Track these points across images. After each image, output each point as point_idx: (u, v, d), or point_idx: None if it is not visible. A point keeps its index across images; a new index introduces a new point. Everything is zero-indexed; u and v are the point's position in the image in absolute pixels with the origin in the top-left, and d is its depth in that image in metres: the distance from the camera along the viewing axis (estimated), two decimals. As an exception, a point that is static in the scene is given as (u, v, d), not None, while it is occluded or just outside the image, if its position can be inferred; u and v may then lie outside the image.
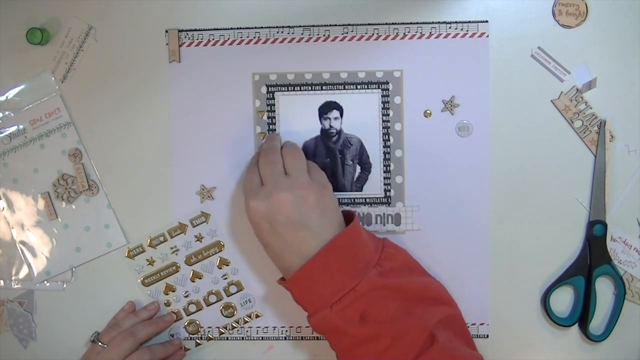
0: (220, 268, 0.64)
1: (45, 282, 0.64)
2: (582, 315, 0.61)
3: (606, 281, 0.62)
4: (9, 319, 0.65)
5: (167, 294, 0.64)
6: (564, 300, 0.62)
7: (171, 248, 0.64)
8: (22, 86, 0.64)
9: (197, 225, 0.63)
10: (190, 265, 0.64)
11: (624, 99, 0.61)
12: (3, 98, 0.64)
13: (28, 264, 0.64)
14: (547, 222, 0.62)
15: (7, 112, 0.64)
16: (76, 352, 0.63)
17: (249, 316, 0.64)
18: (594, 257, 0.61)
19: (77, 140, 0.64)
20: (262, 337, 0.64)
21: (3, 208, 0.64)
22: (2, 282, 0.65)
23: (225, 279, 0.64)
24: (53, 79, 0.63)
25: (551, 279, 0.62)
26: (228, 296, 0.64)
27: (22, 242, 0.64)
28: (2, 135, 0.64)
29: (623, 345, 0.62)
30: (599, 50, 0.61)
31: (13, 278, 0.65)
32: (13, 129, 0.64)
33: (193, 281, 0.64)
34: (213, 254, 0.64)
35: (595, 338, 0.61)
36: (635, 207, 0.61)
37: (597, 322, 0.62)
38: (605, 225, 0.61)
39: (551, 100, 0.61)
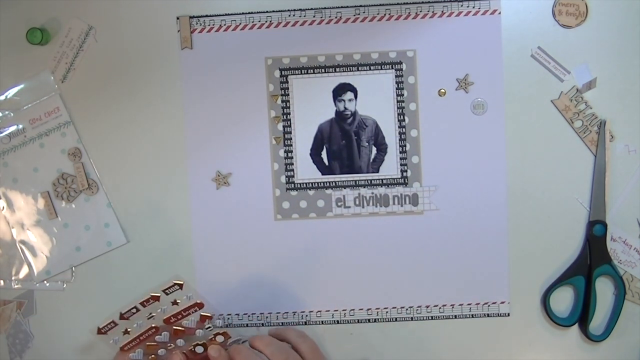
0: (203, 322, 0.59)
1: (45, 282, 0.64)
2: (582, 315, 0.61)
3: (606, 281, 0.62)
4: (11, 328, 0.65)
5: (152, 355, 0.59)
6: (564, 300, 0.62)
7: (146, 316, 0.59)
8: (22, 85, 0.64)
9: (171, 293, 0.59)
10: (171, 324, 0.59)
11: (624, 99, 0.61)
12: (2, 97, 0.64)
13: (28, 263, 0.64)
14: (547, 222, 0.62)
15: (6, 112, 0.64)
16: (76, 352, 0.63)
17: None
18: (594, 257, 0.61)
19: (76, 139, 0.64)
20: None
21: (3, 207, 0.64)
22: (2, 282, 0.65)
23: (210, 329, 0.59)
24: (52, 78, 0.63)
25: (551, 279, 0.62)
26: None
27: (22, 242, 0.64)
28: (1, 134, 0.64)
29: (623, 345, 0.62)
30: (599, 50, 0.61)
31: (13, 278, 0.65)
32: (12, 128, 0.64)
33: (176, 335, 0.59)
34: (193, 312, 0.59)
35: (595, 338, 0.61)
36: (635, 207, 0.61)
37: (597, 322, 0.62)
38: (605, 225, 0.61)
39: (551, 100, 0.61)
